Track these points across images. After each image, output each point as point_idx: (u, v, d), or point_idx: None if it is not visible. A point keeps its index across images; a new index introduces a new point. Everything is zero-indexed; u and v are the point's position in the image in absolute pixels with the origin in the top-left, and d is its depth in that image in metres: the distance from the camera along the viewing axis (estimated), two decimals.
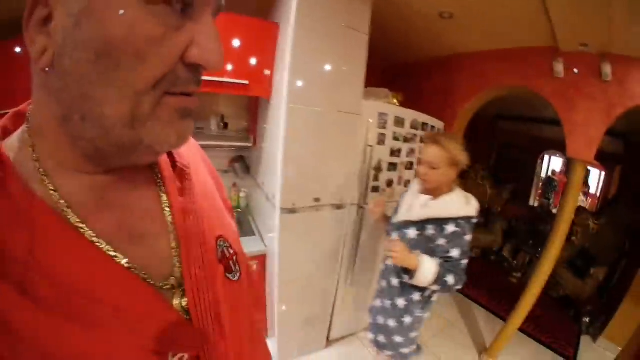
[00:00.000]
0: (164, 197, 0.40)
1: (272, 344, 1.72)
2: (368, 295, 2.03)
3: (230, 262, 0.46)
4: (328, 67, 1.49)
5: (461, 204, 1.16)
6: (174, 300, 0.36)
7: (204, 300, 0.38)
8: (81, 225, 0.32)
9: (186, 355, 0.35)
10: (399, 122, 1.79)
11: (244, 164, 2.12)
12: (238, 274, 0.46)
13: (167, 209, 0.40)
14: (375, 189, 1.80)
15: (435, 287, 1.15)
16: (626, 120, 1.75)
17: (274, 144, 1.57)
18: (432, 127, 2.06)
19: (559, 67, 1.83)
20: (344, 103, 1.56)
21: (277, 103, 1.53)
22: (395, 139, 1.78)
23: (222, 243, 0.45)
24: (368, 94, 1.74)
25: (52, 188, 0.31)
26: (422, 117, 1.96)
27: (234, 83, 1.51)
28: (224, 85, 1.50)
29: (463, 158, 1.16)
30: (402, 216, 1.27)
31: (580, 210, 3.32)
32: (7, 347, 0.26)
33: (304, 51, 1.40)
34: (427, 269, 1.10)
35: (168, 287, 0.36)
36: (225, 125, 1.98)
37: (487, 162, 4.84)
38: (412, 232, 1.22)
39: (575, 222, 3.53)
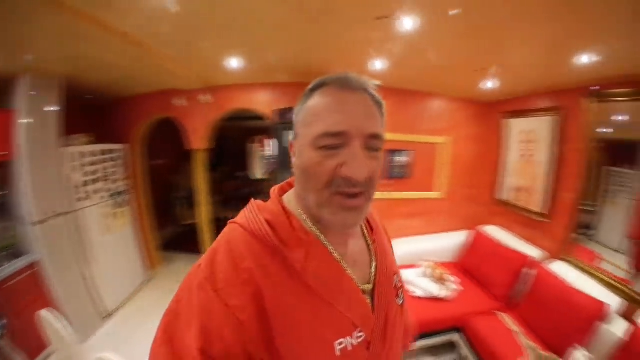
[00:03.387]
0: (370, 245, 0.69)
1: None
2: None
3: (399, 291, 0.68)
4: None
5: None
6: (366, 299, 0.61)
7: (382, 303, 0.62)
8: (332, 249, 0.59)
9: (364, 335, 0.57)
10: (85, 154, 2.88)
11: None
12: (402, 301, 0.69)
13: (372, 249, 0.68)
14: (83, 198, 2.84)
15: None
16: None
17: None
18: (113, 150, 3.28)
19: (179, 101, 3.29)
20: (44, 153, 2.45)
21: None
22: (86, 164, 2.87)
23: (396, 278, 0.70)
24: (69, 141, 2.73)
25: (313, 226, 0.59)
26: (106, 147, 3.16)
27: None
28: None
29: None
30: None
31: None
32: (289, 306, 0.51)
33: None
34: None
35: (363, 290, 0.61)
36: None
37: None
38: None
39: None
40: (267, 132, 6.51)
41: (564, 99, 2.61)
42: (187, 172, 5.47)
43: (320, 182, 0.52)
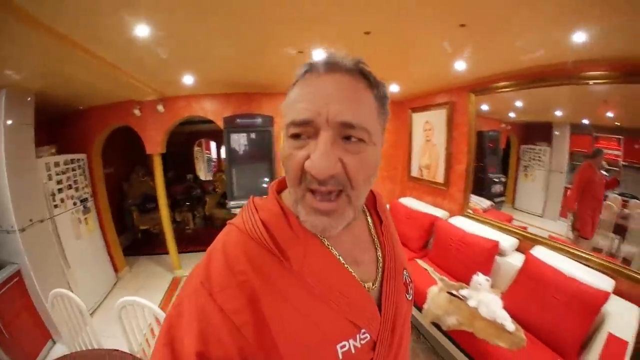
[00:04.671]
0: (376, 239, 0.66)
1: None
2: None
3: (409, 287, 0.66)
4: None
5: None
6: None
7: (390, 301, 0.58)
8: (331, 247, 0.56)
9: (369, 336, 0.53)
10: (57, 164, 3.23)
11: None
12: (411, 296, 0.67)
13: (378, 246, 0.65)
14: (56, 206, 3.17)
15: None
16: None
17: None
18: (78, 160, 3.62)
19: (137, 111, 3.69)
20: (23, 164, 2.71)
21: None
22: (57, 173, 3.21)
23: (406, 273, 0.68)
24: (39, 152, 3.04)
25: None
26: (71, 156, 3.49)
27: None
28: None
29: None
30: None
31: None
32: (287, 309, 0.48)
33: None
34: None
35: (368, 288, 0.58)
36: None
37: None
38: None
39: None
40: (211, 135, 7.13)
41: (453, 95, 3.50)
42: (138, 179, 5.92)
43: (293, 176, 0.49)
